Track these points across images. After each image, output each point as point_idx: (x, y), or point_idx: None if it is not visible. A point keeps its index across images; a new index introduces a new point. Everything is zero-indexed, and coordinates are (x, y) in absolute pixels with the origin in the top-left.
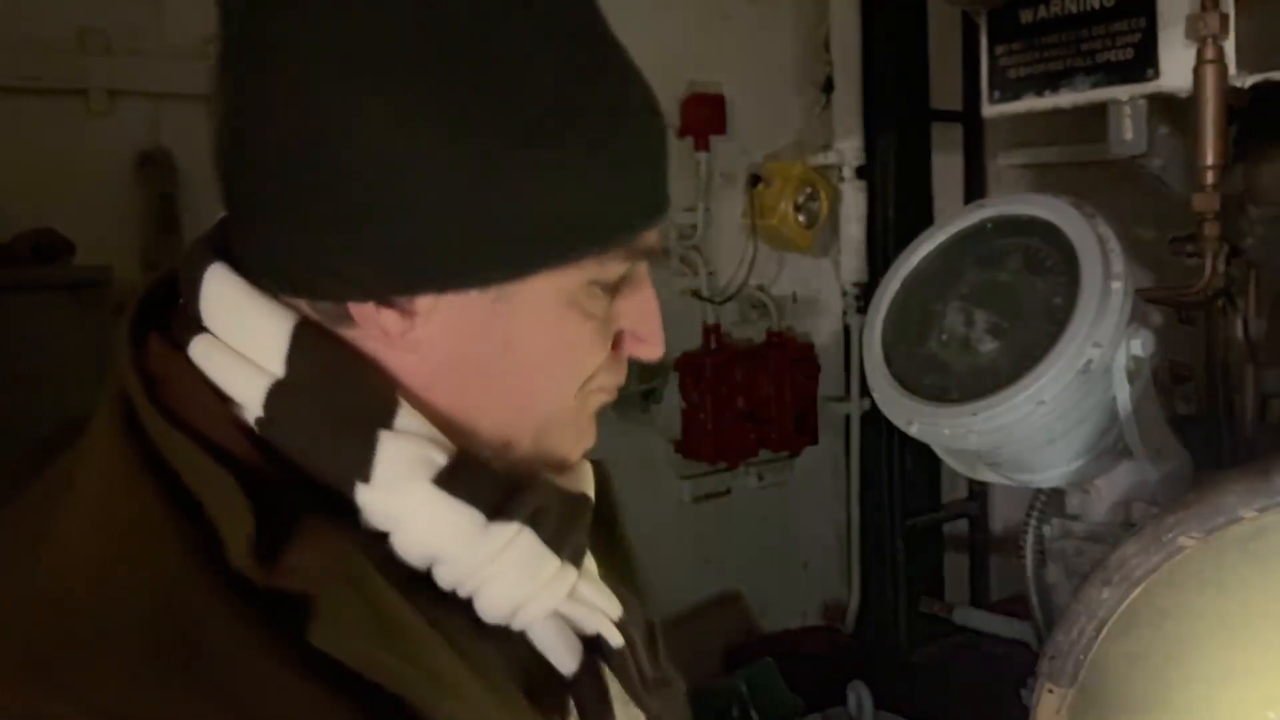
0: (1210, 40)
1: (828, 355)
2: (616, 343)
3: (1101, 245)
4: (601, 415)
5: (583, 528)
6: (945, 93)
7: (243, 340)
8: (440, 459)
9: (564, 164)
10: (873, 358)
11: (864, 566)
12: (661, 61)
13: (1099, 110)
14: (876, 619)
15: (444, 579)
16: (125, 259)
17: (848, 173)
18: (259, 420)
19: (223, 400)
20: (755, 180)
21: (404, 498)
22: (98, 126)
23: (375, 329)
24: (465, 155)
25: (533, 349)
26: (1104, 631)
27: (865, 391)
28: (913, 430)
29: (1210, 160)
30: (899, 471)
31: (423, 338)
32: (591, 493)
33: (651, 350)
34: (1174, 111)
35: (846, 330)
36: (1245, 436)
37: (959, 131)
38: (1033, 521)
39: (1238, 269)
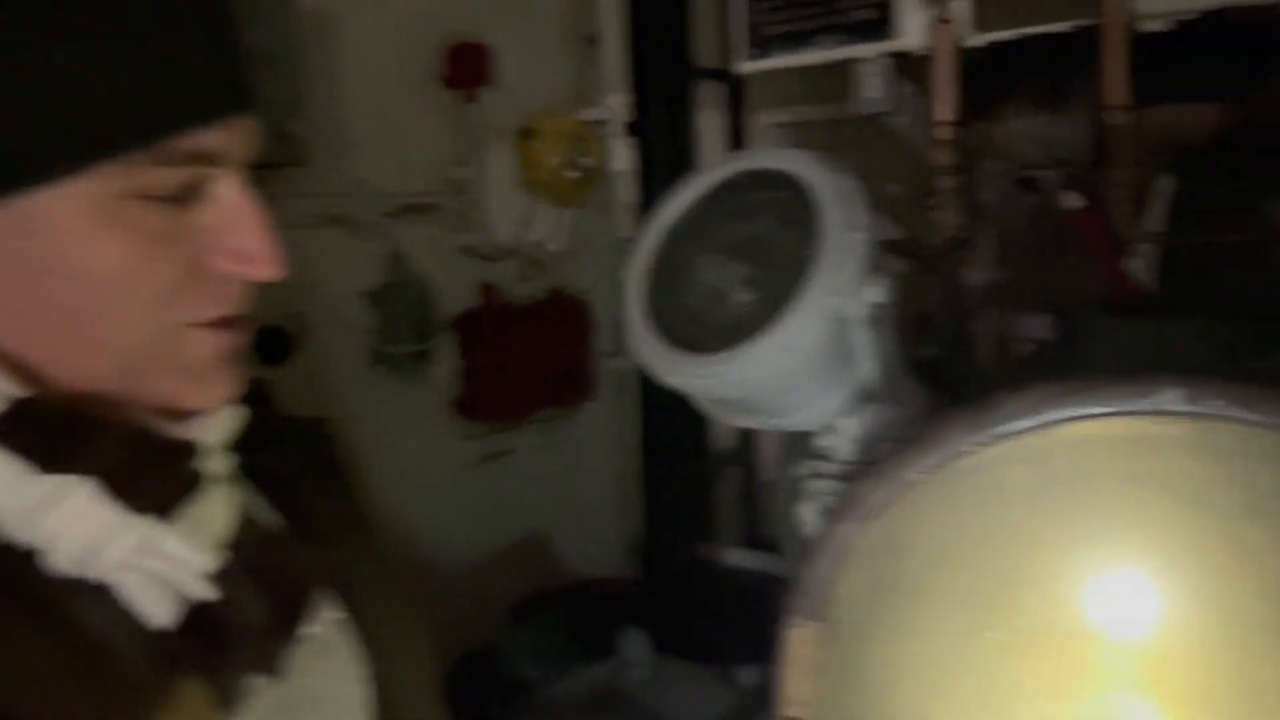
0: (944, 1)
1: (605, 310)
2: (208, 265)
3: (842, 198)
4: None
5: (174, 477)
6: (713, 51)
7: None
8: None
9: (69, 54)
10: (630, 311)
11: (648, 514)
12: (423, 8)
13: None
14: (662, 566)
15: (10, 534)
16: None
17: (616, 128)
18: None
19: None
20: (526, 134)
21: None
22: None
23: None
24: None
25: (70, 272)
26: (846, 565)
27: None
28: (671, 382)
29: (944, 116)
30: (677, 421)
31: None
32: (217, 441)
33: (261, 268)
34: (917, 71)
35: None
36: (984, 378)
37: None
38: (785, 463)
39: (977, 221)
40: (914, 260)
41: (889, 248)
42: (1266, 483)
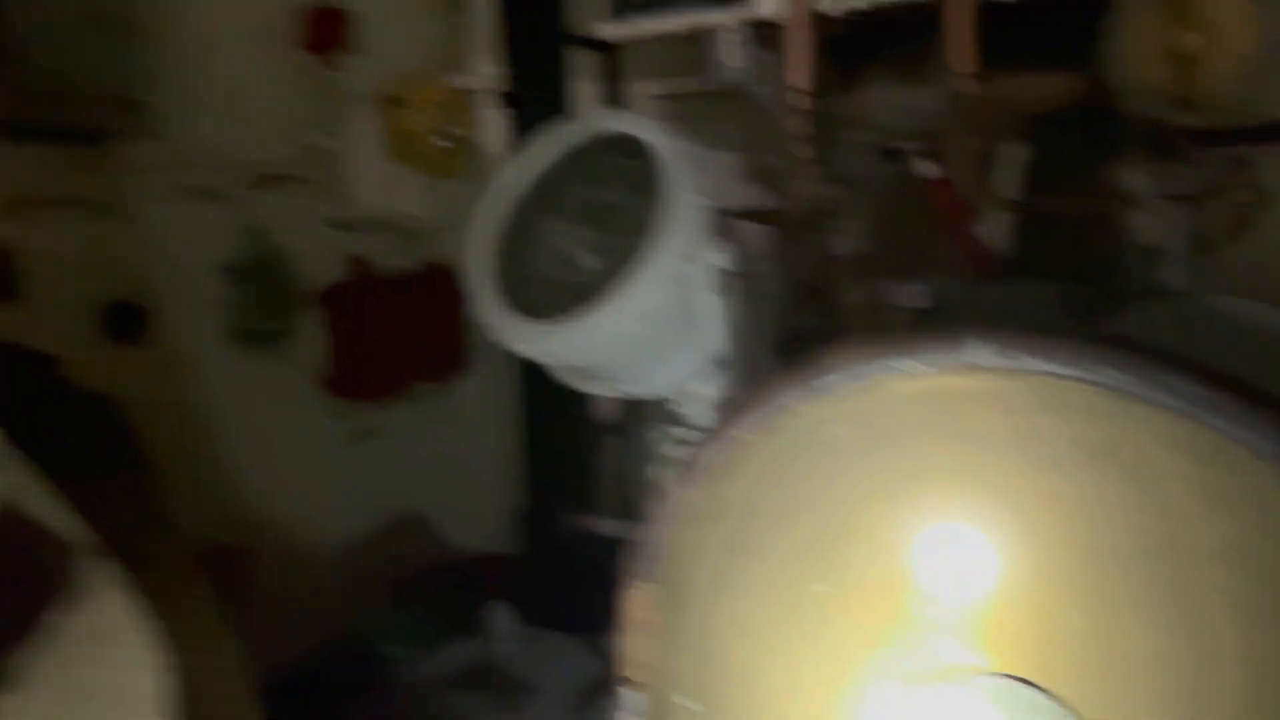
0: None
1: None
2: None
3: (686, 163)
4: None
5: None
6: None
7: None
8: None
9: None
10: (475, 278)
11: (530, 488)
12: None
13: None
14: (543, 539)
15: None
16: None
17: (488, 97)
18: None
19: None
20: (393, 102)
21: None
22: None
23: None
24: None
25: None
26: (682, 527)
27: None
28: (519, 349)
29: (800, 84)
30: (556, 393)
31: None
32: None
33: None
34: (776, 40)
35: None
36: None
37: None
38: (645, 429)
39: (842, 191)
40: (780, 228)
41: (751, 216)
42: (1076, 433)
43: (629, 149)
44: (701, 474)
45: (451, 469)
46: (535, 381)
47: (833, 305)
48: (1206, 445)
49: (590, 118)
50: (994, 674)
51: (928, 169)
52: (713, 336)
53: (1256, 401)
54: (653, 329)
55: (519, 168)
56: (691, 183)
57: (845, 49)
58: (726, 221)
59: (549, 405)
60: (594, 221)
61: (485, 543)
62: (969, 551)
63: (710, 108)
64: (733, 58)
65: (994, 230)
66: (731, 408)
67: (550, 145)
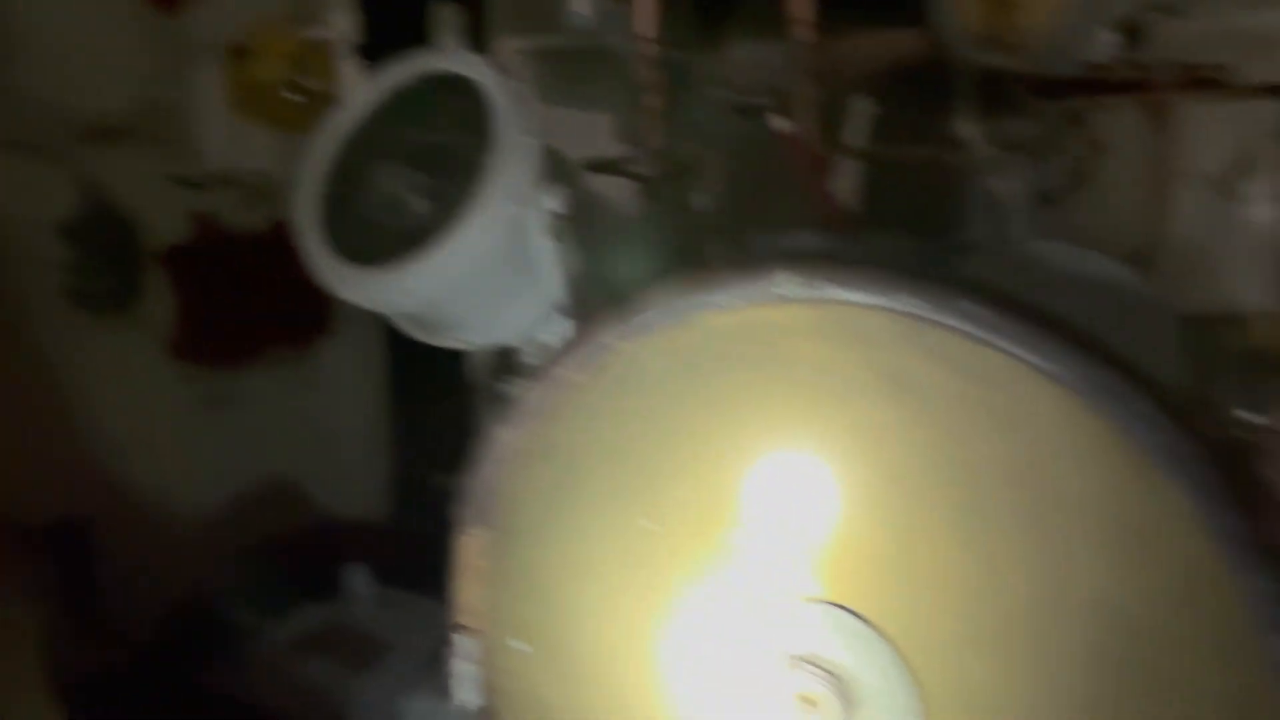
0: None
1: None
2: None
3: (518, 104)
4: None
5: None
6: None
7: None
8: None
9: None
10: (301, 225)
11: (400, 451)
12: None
13: None
14: (415, 501)
15: None
16: None
17: (343, 48)
18: None
19: None
20: (239, 53)
21: None
22: None
23: None
24: None
25: None
26: (512, 471)
27: None
28: (349, 297)
29: (647, 33)
30: (425, 353)
31: None
32: None
33: None
34: None
35: None
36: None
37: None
38: (492, 379)
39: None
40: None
41: (589, 166)
42: (878, 362)
43: (459, 88)
44: (526, 415)
45: (318, 434)
46: (403, 343)
47: (690, 258)
48: (998, 370)
49: (417, 57)
50: (813, 601)
51: (780, 124)
52: (552, 283)
53: (1044, 325)
54: (486, 274)
55: (345, 110)
56: (523, 123)
57: (704, 3)
58: (561, 163)
59: (419, 367)
60: (424, 164)
61: (354, 508)
62: (788, 482)
63: (572, 62)
64: (579, 5)
65: (846, 184)
66: (557, 348)
67: (377, 86)
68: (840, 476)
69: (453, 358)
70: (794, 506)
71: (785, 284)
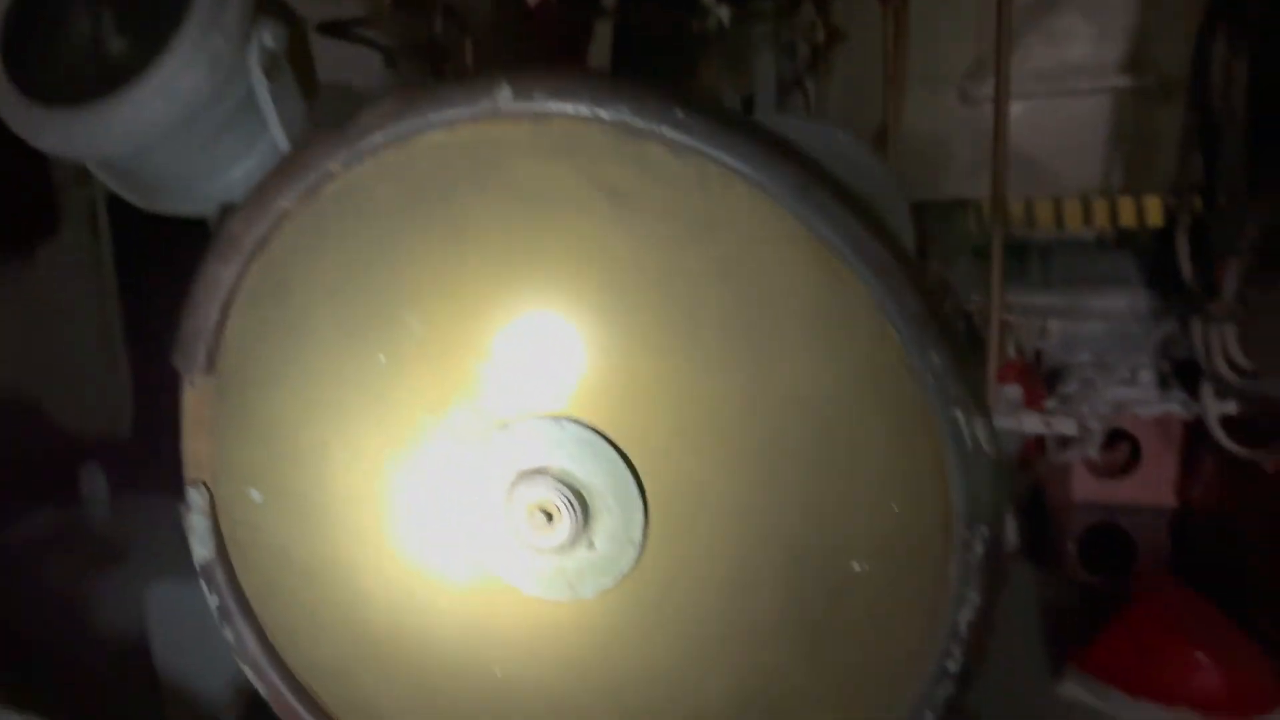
0: None
1: None
2: None
3: None
4: None
5: None
6: None
7: None
8: None
9: None
10: None
11: (134, 361)
12: None
13: None
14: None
15: None
16: None
17: None
18: None
19: None
20: None
21: None
22: None
23: None
24: None
25: None
26: (229, 312)
27: None
28: (42, 145)
29: None
30: (160, 254)
31: None
32: None
33: None
34: None
35: None
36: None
37: None
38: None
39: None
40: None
41: (332, 30)
42: (601, 176)
43: None
44: (242, 250)
45: (46, 339)
46: (136, 238)
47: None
48: (701, 177)
49: None
50: (545, 417)
51: None
52: (276, 138)
53: (742, 133)
54: (195, 118)
55: None
56: None
57: None
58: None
59: (153, 264)
60: (122, 2)
61: (88, 410)
62: (522, 305)
63: None
64: None
65: (597, 50)
66: (266, 174)
67: None
68: (566, 291)
69: (189, 258)
70: (528, 327)
71: (503, 98)
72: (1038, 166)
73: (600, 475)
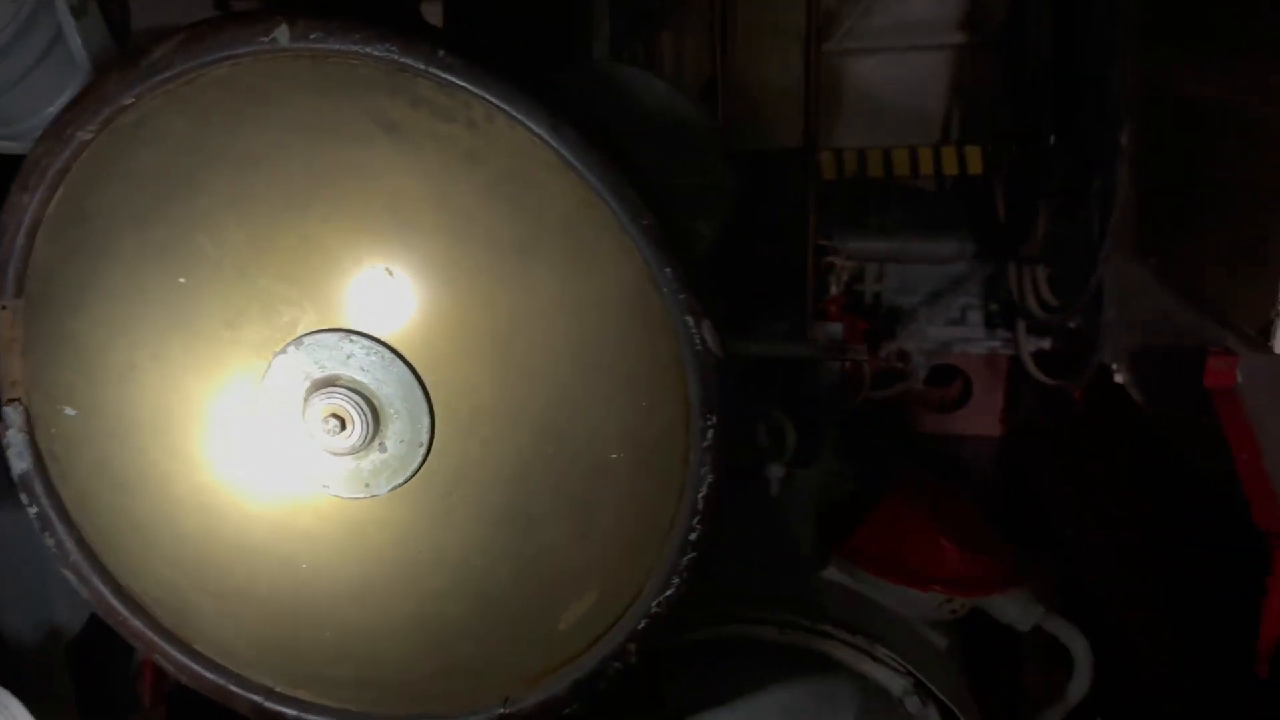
0: None
1: None
2: None
3: None
4: None
5: None
6: None
7: None
8: None
9: None
10: None
11: None
12: None
13: None
14: None
15: None
16: None
17: None
18: None
19: None
20: None
21: None
22: None
23: None
24: None
25: None
26: (36, 237)
27: None
28: None
29: None
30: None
31: None
32: None
33: None
34: None
35: None
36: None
37: None
38: None
39: None
40: None
41: None
42: (380, 109)
43: None
44: (44, 179)
45: None
46: None
47: None
48: (467, 110)
49: None
50: (335, 330)
51: None
52: (85, 75)
53: (500, 73)
54: (1, 54)
55: None
56: None
57: None
58: None
59: None
60: None
61: None
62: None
63: None
64: None
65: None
66: (65, 107)
67: None
68: (350, 217)
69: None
70: (315, 250)
71: (280, 35)
72: (885, 118)
73: (389, 384)
